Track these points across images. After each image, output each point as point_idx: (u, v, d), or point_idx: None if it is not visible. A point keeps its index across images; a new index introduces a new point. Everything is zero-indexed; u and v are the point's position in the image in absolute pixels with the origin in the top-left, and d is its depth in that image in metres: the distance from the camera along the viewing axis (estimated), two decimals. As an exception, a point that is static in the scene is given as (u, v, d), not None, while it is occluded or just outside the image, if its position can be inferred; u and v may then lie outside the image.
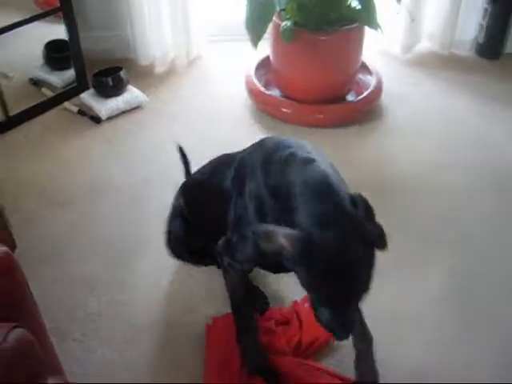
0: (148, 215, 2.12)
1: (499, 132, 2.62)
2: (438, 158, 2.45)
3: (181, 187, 1.87)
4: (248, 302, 1.59)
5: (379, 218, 1.22)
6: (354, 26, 2.45)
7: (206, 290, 1.84)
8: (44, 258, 1.95)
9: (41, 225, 2.10)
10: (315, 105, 2.55)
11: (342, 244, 1.14)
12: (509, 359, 1.65)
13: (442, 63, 3.11)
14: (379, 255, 1.18)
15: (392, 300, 1.79)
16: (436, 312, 1.79)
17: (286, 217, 1.24)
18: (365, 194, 1.23)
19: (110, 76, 2.65)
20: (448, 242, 2.03)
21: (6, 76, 2.73)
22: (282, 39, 2.40)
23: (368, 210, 1.21)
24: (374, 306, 1.38)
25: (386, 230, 1.20)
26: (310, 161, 1.28)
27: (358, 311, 1.35)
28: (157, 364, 1.65)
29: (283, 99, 2.63)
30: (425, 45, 3.17)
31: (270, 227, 1.20)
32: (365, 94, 2.61)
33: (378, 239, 1.20)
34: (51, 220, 2.12)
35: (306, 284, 1.20)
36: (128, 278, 1.90)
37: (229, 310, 1.61)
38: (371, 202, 1.22)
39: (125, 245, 2.02)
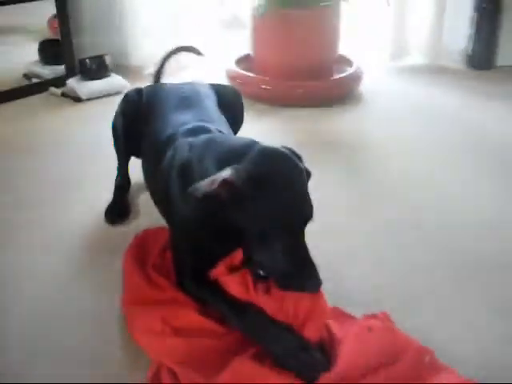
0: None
1: (483, 117, 2.55)
2: (413, 132, 2.38)
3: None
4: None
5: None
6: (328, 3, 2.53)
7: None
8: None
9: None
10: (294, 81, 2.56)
11: (287, 171, 1.13)
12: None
13: (431, 72, 3.12)
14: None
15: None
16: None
17: None
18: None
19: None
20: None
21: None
22: (256, 15, 2.48)
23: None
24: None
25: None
26: None
27: None
28: (80, 264, 1.56)
29: (264, 77, 2.62)
30: (414, 57, 3.21)
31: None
32: (343, 74, 2.63)
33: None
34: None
35: (257, 228, 1.11)
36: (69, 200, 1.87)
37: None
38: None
39: (64, 180, 2.00)
